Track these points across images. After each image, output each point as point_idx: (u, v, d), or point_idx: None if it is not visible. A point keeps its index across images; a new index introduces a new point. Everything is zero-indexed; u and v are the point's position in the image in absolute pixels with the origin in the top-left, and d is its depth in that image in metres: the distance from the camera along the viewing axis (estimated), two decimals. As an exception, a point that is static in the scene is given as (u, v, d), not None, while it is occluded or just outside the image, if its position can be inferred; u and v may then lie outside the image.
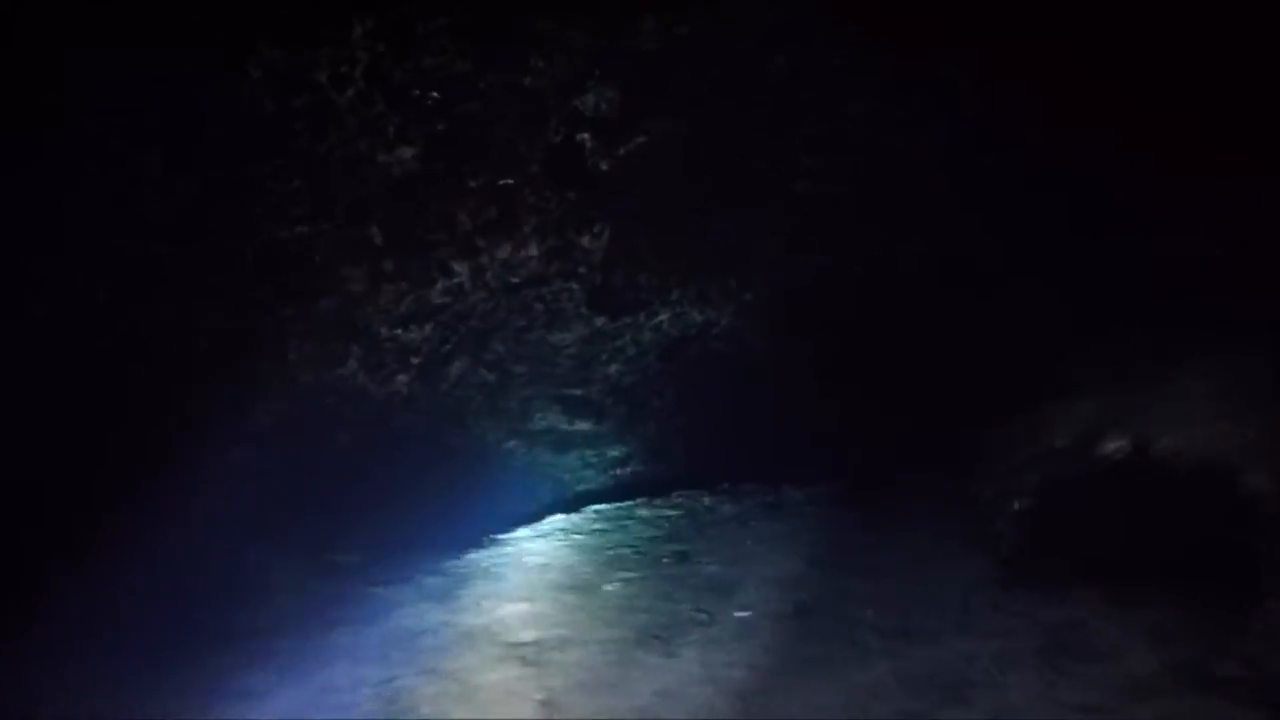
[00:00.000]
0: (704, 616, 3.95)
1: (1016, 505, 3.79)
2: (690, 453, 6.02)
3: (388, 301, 4.62)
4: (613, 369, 5.68)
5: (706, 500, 5.37)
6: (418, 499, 5.43)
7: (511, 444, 5.73)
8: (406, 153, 3.89)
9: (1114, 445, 3.38)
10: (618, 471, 6.11)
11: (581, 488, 5.92)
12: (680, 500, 5.45)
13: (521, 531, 5.36)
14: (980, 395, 4.93)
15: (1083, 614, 3.44)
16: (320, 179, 3.84)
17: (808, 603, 3.95)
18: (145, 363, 4.19)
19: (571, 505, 5.66)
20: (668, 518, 5.21)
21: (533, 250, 4.75)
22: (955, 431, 5.00)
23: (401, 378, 5.05)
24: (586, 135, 4.38)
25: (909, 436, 5.11)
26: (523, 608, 4.21)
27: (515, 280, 4.88)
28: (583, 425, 5.85)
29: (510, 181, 4.33)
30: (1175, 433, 3.27)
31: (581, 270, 5.04)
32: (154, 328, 4.09)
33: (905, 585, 4.01)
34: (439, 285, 4.72)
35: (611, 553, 4.77)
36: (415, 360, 5.01)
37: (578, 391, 5.77)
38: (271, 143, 3.60)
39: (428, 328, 4.88)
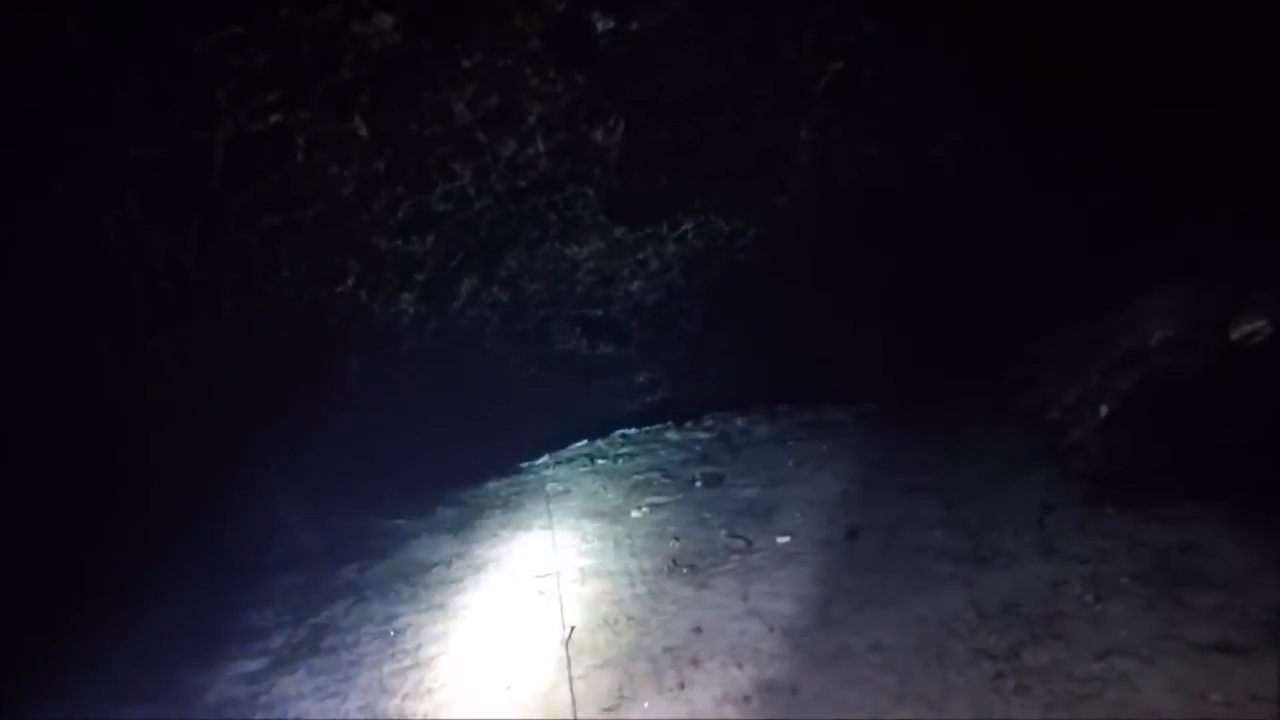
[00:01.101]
0: (741, 543, 3.33)
1: (1104, 411, 3.08)
2: (722, 377, 5.35)
3: (383, 208, 3.95)
4: (635, 286, 4.98)
5: (740, 421, 4.71)
6: (434, 427, 4.86)
7: (531, 371, 5.10)
8: (385, 21, 3.18)
9: (1249, 328, 2.63)
10: (646, 399, 5.49)
11: (606, 414, 5.30)
12: (712, 422, 4.80)
13: (544, 458, 4.77)
14: (1049, 299, 4.18)
15: (1197, 535, 2.74)
16: (289, 55, 3.15)
17: (860, 526, 3.30)
18: (124, 277, 3.60)
19: (597, 430, 5.05)
20: (699, 440, 4.57)
21: (540, 147, 4.03)
22: (1018, 340, 4.27)
23: (406, 296, 4.41)
24: (594, 7, 3.62)
25: (966, 349, 4.38)
26: (542, 537, 3.62)
27: (523, 184, 4.18)
28: (606, 349, 5.21)
29: (509, 62, 3.60)
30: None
31: (596, 172, 4.31)
32: (127, 238, 3.48)
33: (971, 505, 3.33)
34: (439, 190, 4.02)
35: (639, 477, 4.15)
36: (420, 276, 4.36)
37: (599, 312, 5.10)
38: (225, 6, 2.91)
39: (430, 239, 4.21)
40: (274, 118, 3.34)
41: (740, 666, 2.52)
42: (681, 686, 2.46)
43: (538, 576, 3.26)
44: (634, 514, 3.72)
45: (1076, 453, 3.29)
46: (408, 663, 2.79)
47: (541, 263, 4.63)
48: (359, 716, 2.56)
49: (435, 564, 3.52)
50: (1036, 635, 2.46)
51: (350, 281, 4.18)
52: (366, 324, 4.38)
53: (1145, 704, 2.11)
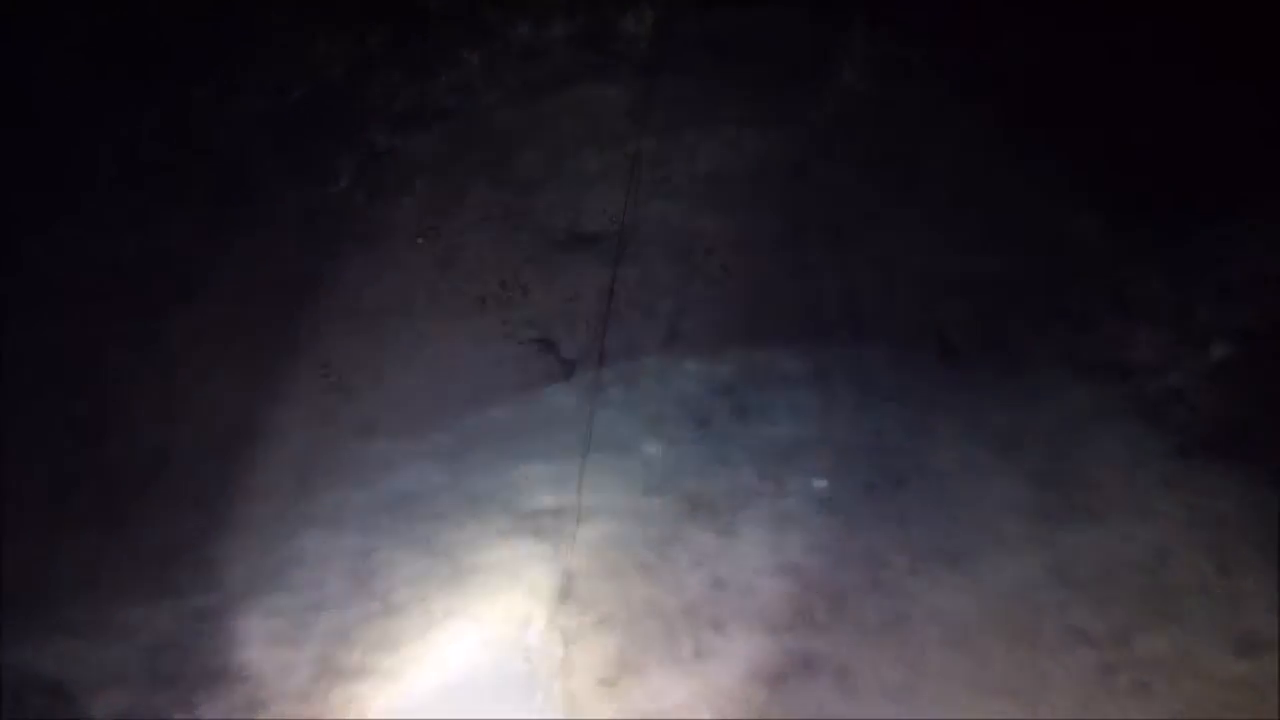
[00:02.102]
0: (770, 485, 2.73)
1: (1218, 352, 2.41)
2: (749, 307, 4.70)
3: (379, 95, 3.30)
4: (656, 206, 4.33)
5: (768, 355, 4.06)
6: (434, 349, 4.28)
7: (544, 295, 4.48)
8: None
9: None
10: (665, 327, 4.86)
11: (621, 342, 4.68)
12: (735, 355, 4.15)
13: (551, 386, 4.16)
14: (1131, 217, 3.43)
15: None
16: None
17: (907, 472, 2.69)
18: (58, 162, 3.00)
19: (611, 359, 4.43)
20: (720, 373, 3.94)
21: (558, 31, 3.34)
22: (1093, 266, 3.55)
23: (408, 200, 3.78)
24: None
25: (1028, 282, 3.68)
26: (541, 470, 3.05)
27: (538, 76, 3.50)
28: (624, 272, 4.57)
29: (522, -85, 2.90)
30: None
31: (621, 69, 3.63)
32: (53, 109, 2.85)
33: (1039, 455, 2.69)
34: (444, 79, 3.37)
35: (654, 408, 3.54)
36: (422, 181, 3.73)
37: (616, 229, 4.46)
38: None
39: (434, 138, 3.56)
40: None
41: (772, 633, 1.95)
42: (698, 656, 1.90)
43: (534, 514, 2.70)
44: (647, 449, 3.13)
45: (1172, 401, 2.63)
46: (376, 607, 2.25)
47: (558, 173, 3.98)
48: (312, 671, 2.02)
49: (420, 495, 2.96)
50: (1148, 616, 1.85)
51: (344, 181, 3.55)
52: (364, 231, 3.77)
53: (1318, 718, 1.52)
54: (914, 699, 1.69)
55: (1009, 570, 2.09)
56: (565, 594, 2.19)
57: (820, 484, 2.67)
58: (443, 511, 2.81)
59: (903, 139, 4.02)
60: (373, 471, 3.28)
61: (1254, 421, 2.36)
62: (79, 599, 2.40)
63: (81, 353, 3.24)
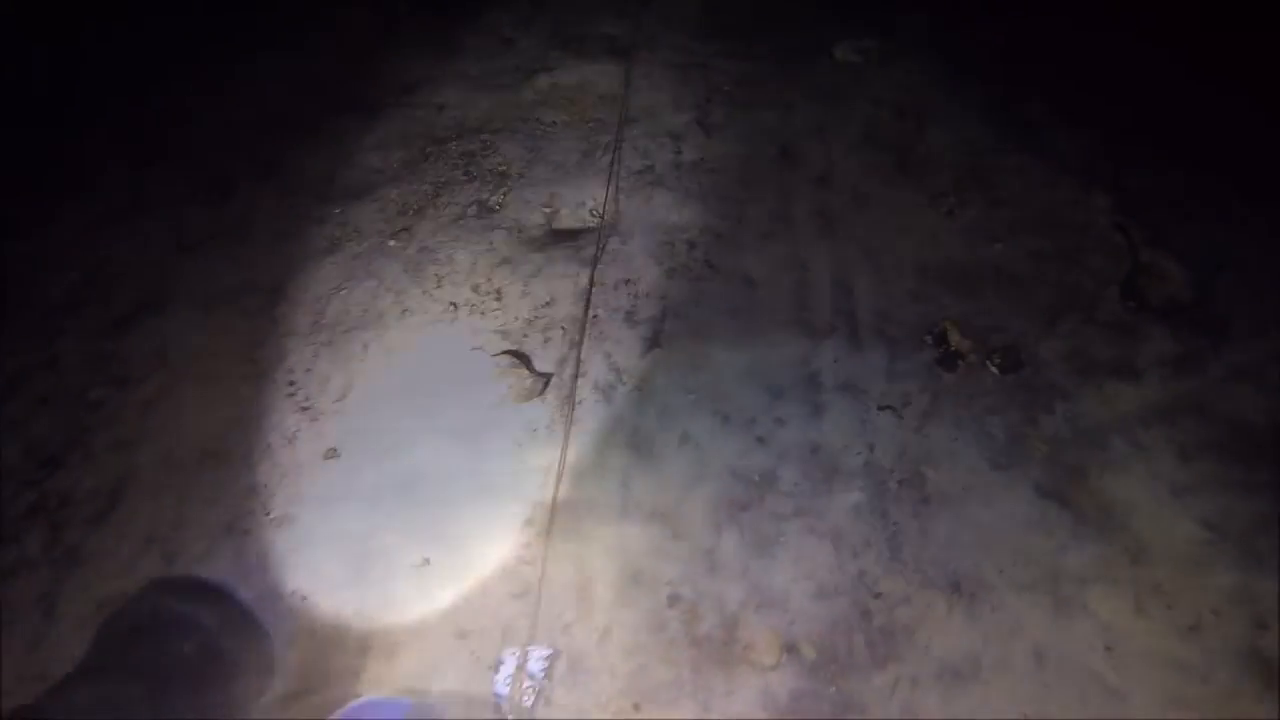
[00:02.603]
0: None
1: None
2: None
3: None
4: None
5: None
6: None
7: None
8: None
9: None
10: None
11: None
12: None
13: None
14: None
15: None
16: None
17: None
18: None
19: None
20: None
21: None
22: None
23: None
24: None
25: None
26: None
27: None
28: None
29: None
30: None
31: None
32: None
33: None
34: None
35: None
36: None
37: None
38: None
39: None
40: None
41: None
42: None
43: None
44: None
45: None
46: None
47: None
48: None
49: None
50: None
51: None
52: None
53: None
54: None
55: (1011, 601, 1.96)
56: (537, 632, 2.03)
57: (854, 496, 2.37)
58: (455, 497, 2.58)
59: (898, 120, 3.67)
60: (395, 441, 2.93)
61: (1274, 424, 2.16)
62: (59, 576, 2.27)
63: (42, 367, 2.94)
